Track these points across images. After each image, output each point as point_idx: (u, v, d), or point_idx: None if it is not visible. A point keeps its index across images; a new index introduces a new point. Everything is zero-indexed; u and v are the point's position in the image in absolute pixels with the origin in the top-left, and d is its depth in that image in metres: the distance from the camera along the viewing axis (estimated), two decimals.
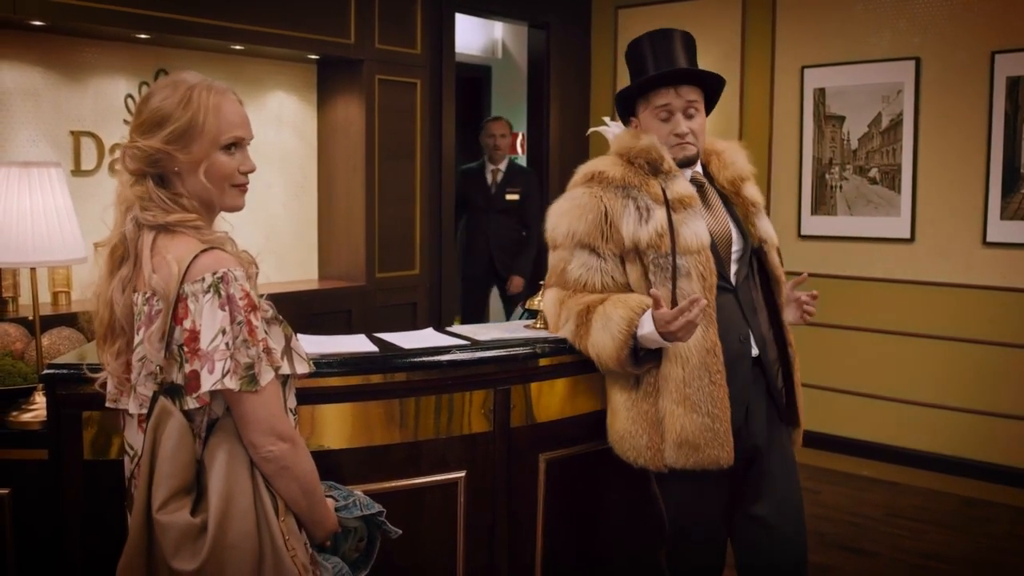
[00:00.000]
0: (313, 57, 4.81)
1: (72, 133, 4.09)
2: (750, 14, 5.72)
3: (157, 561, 1.76)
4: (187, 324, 1.71)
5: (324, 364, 2.27)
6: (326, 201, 5.06)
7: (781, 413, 2.57)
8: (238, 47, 4.41)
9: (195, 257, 1.73)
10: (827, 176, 5.48)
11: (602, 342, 2.36)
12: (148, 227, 1.78)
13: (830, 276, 5.48)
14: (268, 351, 1.75)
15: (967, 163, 4.99)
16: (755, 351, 2.48)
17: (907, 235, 5.21)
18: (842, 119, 5.41)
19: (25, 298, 3.87)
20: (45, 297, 3.97)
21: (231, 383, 1.69)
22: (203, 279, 1.71)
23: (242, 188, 1.87)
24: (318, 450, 2.21)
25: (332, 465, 2.21)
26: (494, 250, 6.00)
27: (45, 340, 2.52)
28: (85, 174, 4.15)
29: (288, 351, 1.83)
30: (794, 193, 5.62)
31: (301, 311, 4.62)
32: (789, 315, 2.70)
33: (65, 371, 2.18)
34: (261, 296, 1.85)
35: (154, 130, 1.78)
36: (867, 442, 5.34)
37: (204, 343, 1.70)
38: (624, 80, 6.33)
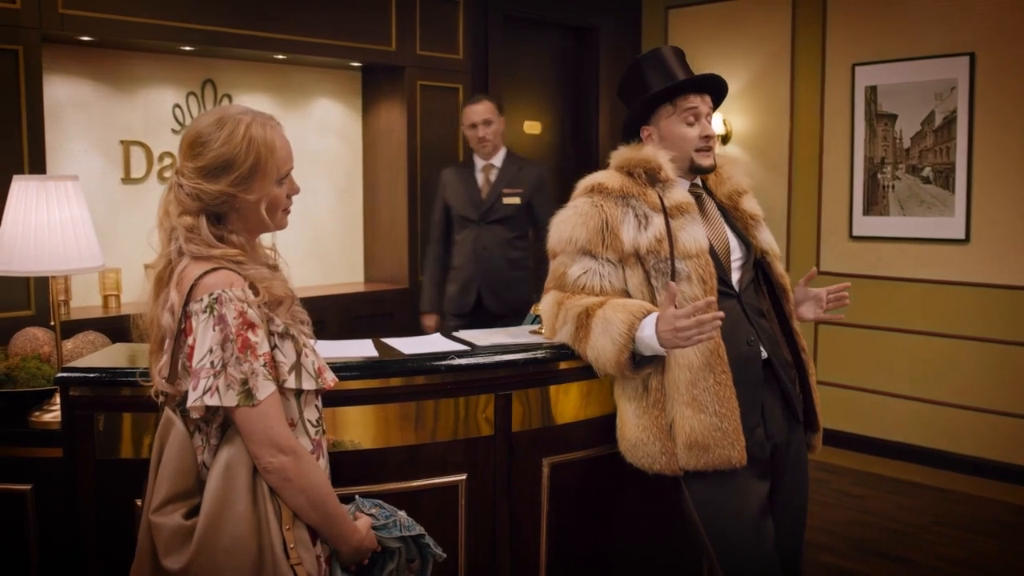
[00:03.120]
0: (356, 64, 4.92)
1: (122, 143, 4.27)
2: (800, 11, 5.64)
3: (159, 561, 1.85)
4: (190, 340, 1.80)
5: None
6: (371, 205, 5.16)
7: (796, 416, 2.57)
8: (281, 57, 4.54)
9: (201, 277, 1.81)
10: (879, 176, 5.37)
11: (601, 345, 2.39)
12: (188, 255, 1.85)
13: (882, 278, 5.38)
14: (272, 365, 1.81)
15: (1023, 161, 4.84)
16: (764, 354, 2.49)
17: (961, 236, 5.08)
18: (894, 117, 5.29)
19: (76, 301, 4.06)
20: (96, 300, 4.16)
21: (210, 400, 1.76)
22: (202, 299, 1.78)
23: (288, 211, 1.98)
24: None
25: (332, 467, 2.27)
26: (483, 276, 4.34)
27: (70, 344, 2.65)
28: (135, 182, 4.32)
29: (297, 366, 1.87)
30: (845, 193, 5.52)
31: (345, 313, 4.74)
32: (808, 312, 2.71)
33: (78, 374, 2.30)
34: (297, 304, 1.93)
35: (220, 175, 1.84)
36: (917, 447, 5.22)
37: (195, 360, 1.78)
38: None
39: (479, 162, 4.44)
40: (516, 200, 4.33)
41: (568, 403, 2.68)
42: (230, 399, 1.76)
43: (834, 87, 5.53)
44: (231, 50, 4.35)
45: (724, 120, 5.96)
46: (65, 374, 2.30)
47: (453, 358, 2.49)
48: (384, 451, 2.43)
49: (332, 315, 4.71)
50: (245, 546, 1.78)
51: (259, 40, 4.33)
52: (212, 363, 1.76)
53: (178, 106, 4.42)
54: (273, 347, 1.84)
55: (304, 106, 4.90)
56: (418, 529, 2.05)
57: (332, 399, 2.37)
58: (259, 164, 1.86)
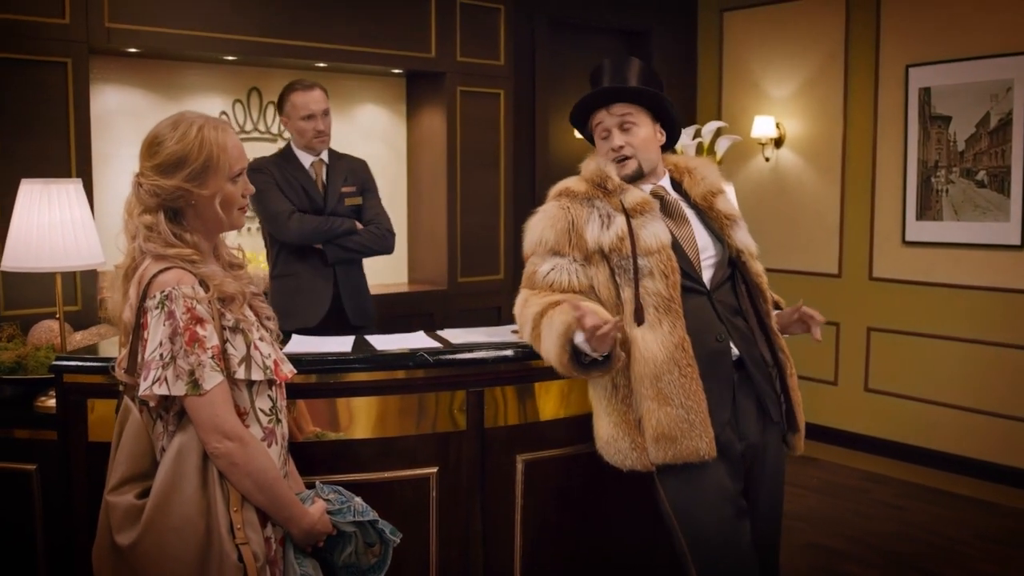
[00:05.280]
0: (398, 71, 5.06)
1: None
2: (854, 12, 5.53)
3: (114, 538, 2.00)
4: (145, 335, 1.95)
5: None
6: (414, 209, 5.30)
7: (773, 415, 2.57)
8: (321, 65, 4.71)
9: (156, 275, 1.95)
10: (933, 180, 5.22)
11: (547, 346, 2.45)
12: (149, 255, 2.00)
13: (936, 284, 5.23)
14: (220, 357, 1.94)
15: None
16: (735, 351, 2.50)
17: (1017, 241, 4.90)
18: (948, 120, 5.14)
19: None
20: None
21: (159, 390, 1.89)
22: (155, 296, 1.93)
23: (244, 209, 2.12)
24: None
25: (306, 457, 2.39)
26: (345, 286, 3.81)
27: (79, 336, 2.84)
28: None
29: (247, 359, 2.00)
30: (898, 197, 5.38)
31: (386, 312, 4.87)
32: (797, 329, 2.72)
33: (71, 363, 2.48)
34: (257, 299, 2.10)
35: (174, 171, 2.00)
36: (966, 457, 5.06)
37: (147, 352, 1.93)
38: (729, 84, 6.24)
39: (305, 157, 3.76)
40: (358, 200, 3.83)
41: (546, 401, 2.73)
42: (178, 388, 1.89)
43: (888, 89, 5.40)
44: (275, 59, 4.54)
45: (777, 123, 5.88)
46: (59, 362, 2.48)
47: (423, 355, 2.58)
48: (356, 442, 2.53)
49: (376, 312, 4.85)
50: (192, 525, 1.91)
51: (299, 49, 4.50)
52: (162, 355, 1.90)
53: (224, 113, 4.64)
54: (225, 341, 1.97)
55: (350, 112, 5.06)
56: (372, 514, 2.14)
57: (305, 392, 2.49)
58: (211, 161, 1.99)
